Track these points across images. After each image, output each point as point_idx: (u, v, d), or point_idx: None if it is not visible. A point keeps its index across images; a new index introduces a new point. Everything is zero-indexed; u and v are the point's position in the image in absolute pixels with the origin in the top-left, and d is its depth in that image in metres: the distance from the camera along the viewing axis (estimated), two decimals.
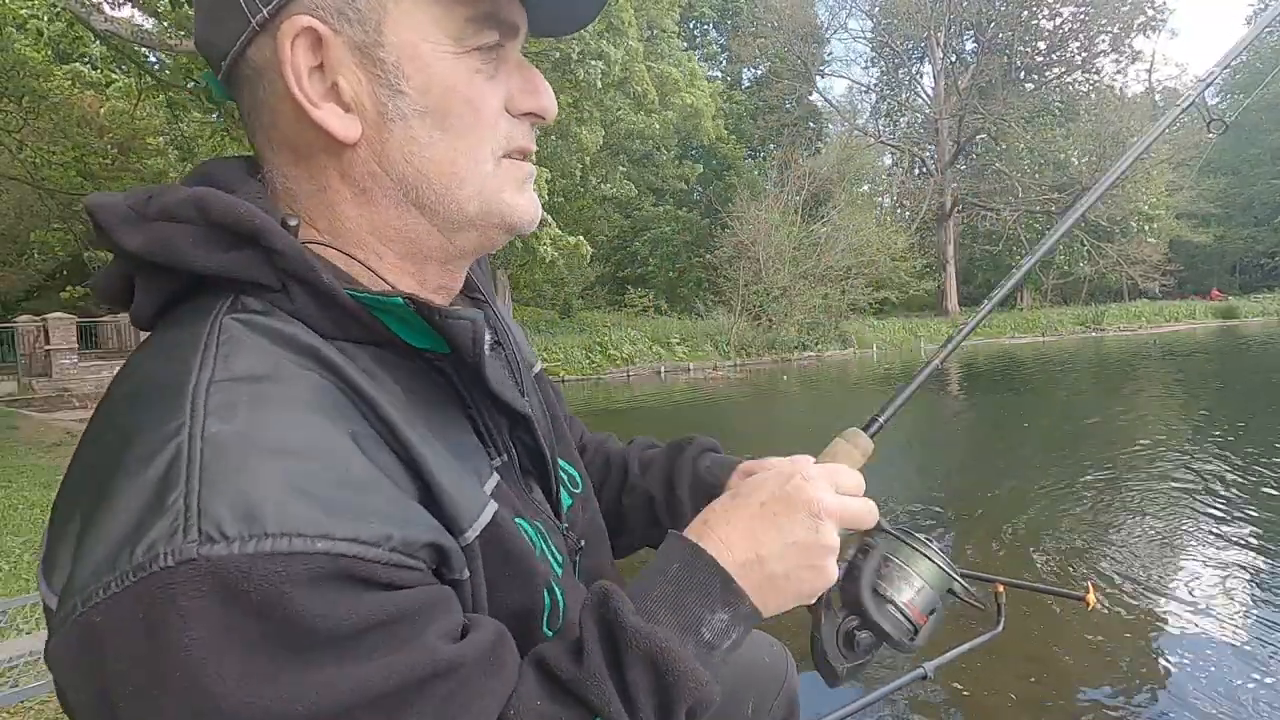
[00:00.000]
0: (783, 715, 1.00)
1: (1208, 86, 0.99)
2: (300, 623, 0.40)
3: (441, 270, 0.64)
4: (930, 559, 0.71)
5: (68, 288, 13.32)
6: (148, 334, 0.57)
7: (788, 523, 0.61)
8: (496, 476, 0.62)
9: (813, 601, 0.66)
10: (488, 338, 0.59)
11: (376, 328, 0.56)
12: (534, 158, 0.66)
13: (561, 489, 0.75)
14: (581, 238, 17.23)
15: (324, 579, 0.41)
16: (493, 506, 0.57)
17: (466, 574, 0.52)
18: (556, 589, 0.63)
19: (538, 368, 0.85)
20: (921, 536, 0.72)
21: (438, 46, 0.56)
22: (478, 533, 0.54)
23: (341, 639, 0.42)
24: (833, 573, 0.63)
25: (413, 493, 0.51)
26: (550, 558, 0.65)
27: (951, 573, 0.72)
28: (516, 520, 0.62)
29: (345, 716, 0.41)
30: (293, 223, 0.55)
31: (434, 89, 0.56)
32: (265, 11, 0.53)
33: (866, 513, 0.66)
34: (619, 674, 0.53)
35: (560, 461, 0.77)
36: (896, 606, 0.71)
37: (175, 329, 0.53)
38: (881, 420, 0.82)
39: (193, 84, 8.64)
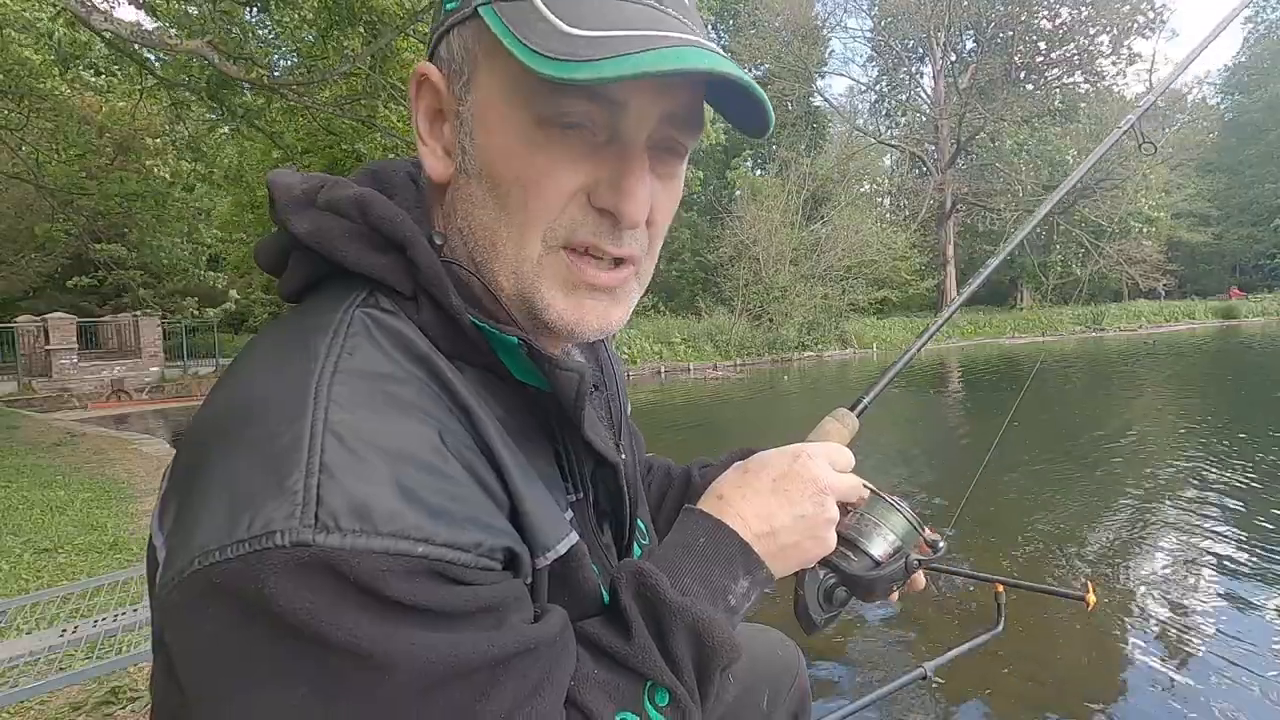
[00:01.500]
0: (795, 708, 1.03)
1: (1144, 112, 1.13)
2: (398, 602, 0.44)
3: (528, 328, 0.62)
4: (901, 513, 0.77)
5: (72, 279, 13.42)
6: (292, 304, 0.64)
7: (797, 497, 0.67)
8: (570, 513, 0.64)
9: (812, 566, 0.72)
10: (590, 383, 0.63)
11: (488, 354, 0.60)
12: (640, 267, 0.62)
13: (634, 541, 0.77)
14: None
15: (420, 574, 0.45)
16: (573, 538, 0.60)
17: (529, 582, 0.56)
18: None
19: (629, 409, 0.87)
20: (890, 497, 0.78)
21: (507, 109, 0.56)
22: (548, 561, 0.57)
23: (434, 618, 0.46)
24: (832, 541, 0.69)
25: (504, 506, 0.54)
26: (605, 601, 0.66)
27: (918, 528, 0.78)
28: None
29: (440, 686, 0.45)
30: (439, 241, 0.60)
31: (489, 153, 0.58)
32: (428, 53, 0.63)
33: (857, 488, 0.74)
34: (664, 645, 0.58)
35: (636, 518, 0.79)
36: (873, 560, 0.75)
37: (313, 313, 0.57)
38: (866, 401, 0.90)
39: (190, 80, 8.64)
